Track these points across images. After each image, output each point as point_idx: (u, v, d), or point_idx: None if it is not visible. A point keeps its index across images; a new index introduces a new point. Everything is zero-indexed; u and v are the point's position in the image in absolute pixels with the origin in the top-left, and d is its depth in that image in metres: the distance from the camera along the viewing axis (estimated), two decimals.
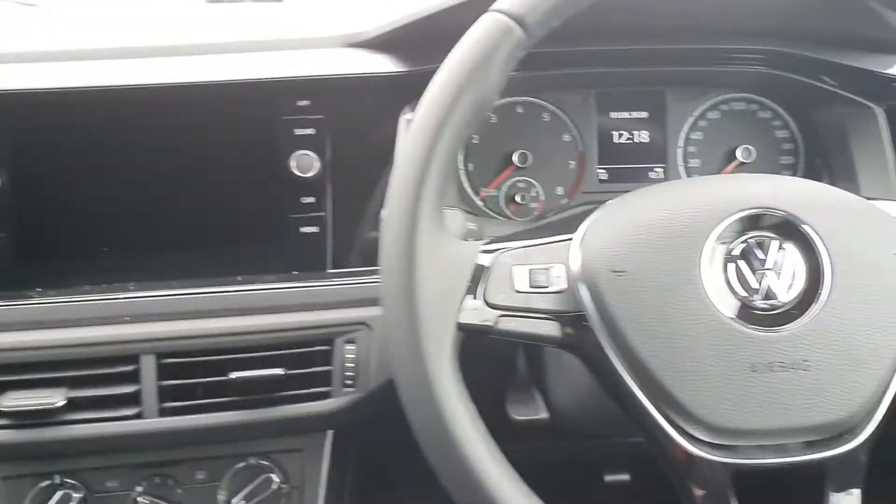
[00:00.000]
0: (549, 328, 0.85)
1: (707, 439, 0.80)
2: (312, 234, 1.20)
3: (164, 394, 1.08)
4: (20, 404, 1.04)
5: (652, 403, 0.81)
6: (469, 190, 1.39)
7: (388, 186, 0.84)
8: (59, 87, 1.16)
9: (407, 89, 1.14)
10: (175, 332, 1.09)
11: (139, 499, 1.12)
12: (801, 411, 0.80)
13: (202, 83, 1.17)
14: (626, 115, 1.42)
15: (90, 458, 1.12)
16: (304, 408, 1.12)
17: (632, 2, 1.17)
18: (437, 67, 0.84)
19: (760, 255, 0.84)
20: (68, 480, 1.11)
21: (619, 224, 0.86)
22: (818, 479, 0.82)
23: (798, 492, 0.85)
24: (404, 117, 1.20)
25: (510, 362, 1.26)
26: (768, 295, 0.83)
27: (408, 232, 0.81)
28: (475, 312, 0.83)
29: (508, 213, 1.39)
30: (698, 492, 0.80)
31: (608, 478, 1.53)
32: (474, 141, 1.39)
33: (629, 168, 1.42)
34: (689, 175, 1.41)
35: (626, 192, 1.36)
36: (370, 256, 1.15)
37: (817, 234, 0.84)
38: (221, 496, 1.14)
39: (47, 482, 1.11)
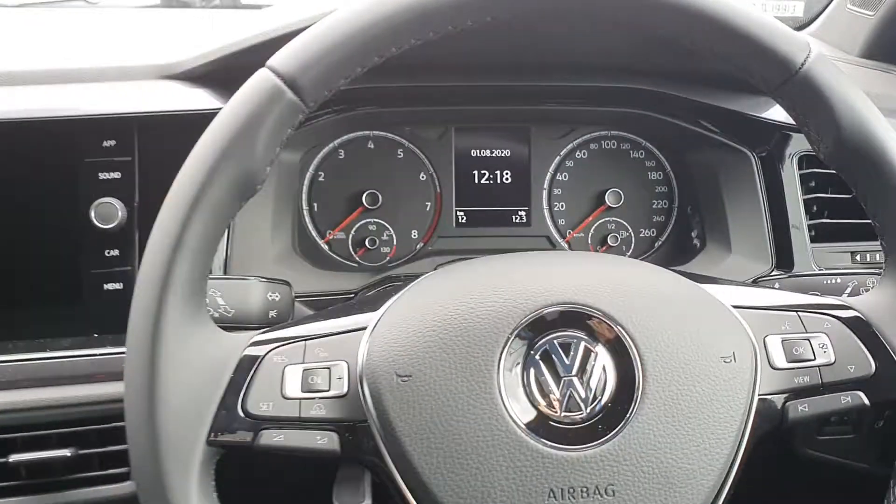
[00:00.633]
0: (326, 441, 0.73)
1: None
2: (117, 291, 1.06)
3: None
4: None
5: None
6: (313, 232, 1.27)
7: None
8: None
9: None
10: None
11: None
12: None
13: None
14: (487, 153, 1.30)
15: None
16: (100, 491, 1.00)
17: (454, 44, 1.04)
18: None
19: (565, 359, 0.73)
20: None
21: (410, 317, 0.75)
22: None
23: None
24: None
25: None
26: (571, 407, 0.72)
27: (150, 330, 0.69)
28: (231, 425, 0.71)
29: (357, 258, 1.28)
30: None
31: None
32: (320, 179, 1.27)
33: (490, 211, 1.31)
34: (553, 220, 1.31)
35: (488, 236, 1.31)
36: None
37: (630, 338, 0.73)
38: None
39: None
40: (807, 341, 0.78)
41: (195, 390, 0.71)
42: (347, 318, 0.78)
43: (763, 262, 1.20)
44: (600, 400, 0.72)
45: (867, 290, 0.91)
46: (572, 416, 0.72)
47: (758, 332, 0.78)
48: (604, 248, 1.31)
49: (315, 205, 1.27)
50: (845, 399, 0.77)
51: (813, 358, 0.78)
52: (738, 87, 1.22)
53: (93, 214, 1.05)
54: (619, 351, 0.73)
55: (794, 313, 0.80)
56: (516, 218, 1.31)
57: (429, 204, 1.30)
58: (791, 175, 1.20)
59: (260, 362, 0.73)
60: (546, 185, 1.31)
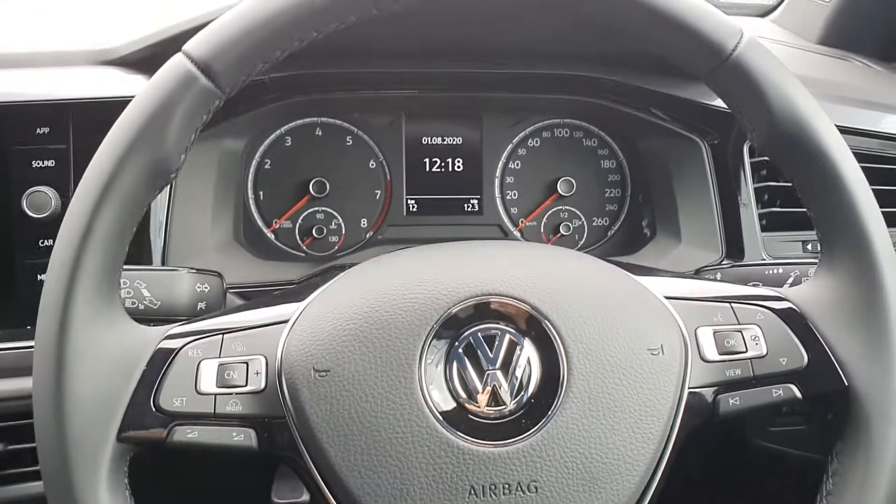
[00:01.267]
0: (242, 437, 0.71)
1: None
2: None
3: None
4: None
5: None
6: (259, 221, 1.24)
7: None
8: None
9: None
10: None
11: None
12: None
13: None
14: (438, 140, 1.28)
15: None
16: (33, 487, 0.98)
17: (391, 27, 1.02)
18: None
19: (489, 352, 0.71)
20: None
21: (331, 310, 0.73)
22: None
23: None
24: None
25: None
26: (494, 401, 0.70)
27: (58, 322, 0.67)
28: (142, 421, 0.69)
29: (305, 247, 1.25)
30: None
31: None
32: (266, 166, 1.24)
33: (441, 199, 1.29)
34: (505, 208, 1.29)
35: (439, 224, 1.29)
36: None
37: (556, 330, 0.71)
38: None
39: None
40: (739, 333, 0.77)
41: (105, 384, 0.69)
42: (268, 310, 0.76)
43: (713, 252, 1.18)
44: (525, 394, 0.71)
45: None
46: (495, 411, 0.70)
47: (689, 324, 0.76)
48: (556, 236, 1.29)
49: (261, 193, 1.25)
50: (777, 392, 0.76)
51: (745, 350, 0.76)
52: (689, 75, 1.19)
53: (25, 203, 1.02)
54: (545, 344, 0.72)
55: (728, 304, 0.78)
56: (468, 206, 1.29)
57: (378, 192, 1.28)
58: (742, 163, 1.18)
59: (174, 356, 0.71)
60: (498, 174, 1.29)
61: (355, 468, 0.68)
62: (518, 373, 0.71)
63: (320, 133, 1.26)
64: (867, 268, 0.74)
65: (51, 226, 1.03)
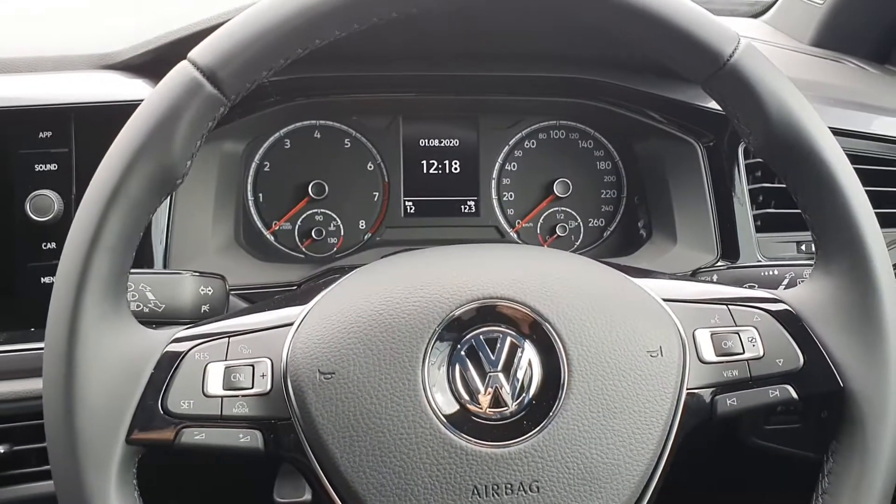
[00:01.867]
0: (249, 439, 0.72)
1: None
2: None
3: None
4: None
5: None
6: (258, 223, 1.25)
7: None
8: None
9: None
10: None
11: None
12: None
13: None
14: (435, 142, 1.29)
15: None
16: (37, 488, 0.99)
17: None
18: None
19: (491, 354, 0.72)
20: None
21: (336, 312, 0.74)
22: None
23: None
24: None
25: None
26: (496, 402, 0.71)
27: (67, 327, 0.68)
28: (150, 423, 0.70)
29: (304, 249, 1.27)
30: None
31: None
32: (265, 169, 1.25)
33: (439, 201, 1.30)
34: (502, 210, 1.30)
35: (436, 226, 1.30)
36: None
37: (556, 333, 0.73)
38: None
39: None
40: (736, 335, 0.78)
41: (114, 388, 0.70)
42: (274, 313, 0.77)
43: (708, 253, 1.19)
44: (526, 395, 0.72)
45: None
46: (497, 412, 0.71)
47: (687, 326, 0.77)
48: (553, 238, 1.31)
49: (260, 195, 1.26)
50: (773, 393, 0.77)
51: (742, 352, 0.78)
52: (685, 78, 1.21)
53: (28, 207, 1.03)
54: (545, 346, 0.73)
55: (725, 306, 0.80)
56: (465, 208, 1.30)
57: (376, 194, 1.29)
58: (737, 165, 1.20)
59: (181, 359, 0.72)
60: (495, 175, 1.30)
61: (360, 469, 0.69)
62: (519, 375, 0.72)
63: (319, 136, 1.27)
64: (862, 270, 0.76)
65: (54, 229, 1.04)
